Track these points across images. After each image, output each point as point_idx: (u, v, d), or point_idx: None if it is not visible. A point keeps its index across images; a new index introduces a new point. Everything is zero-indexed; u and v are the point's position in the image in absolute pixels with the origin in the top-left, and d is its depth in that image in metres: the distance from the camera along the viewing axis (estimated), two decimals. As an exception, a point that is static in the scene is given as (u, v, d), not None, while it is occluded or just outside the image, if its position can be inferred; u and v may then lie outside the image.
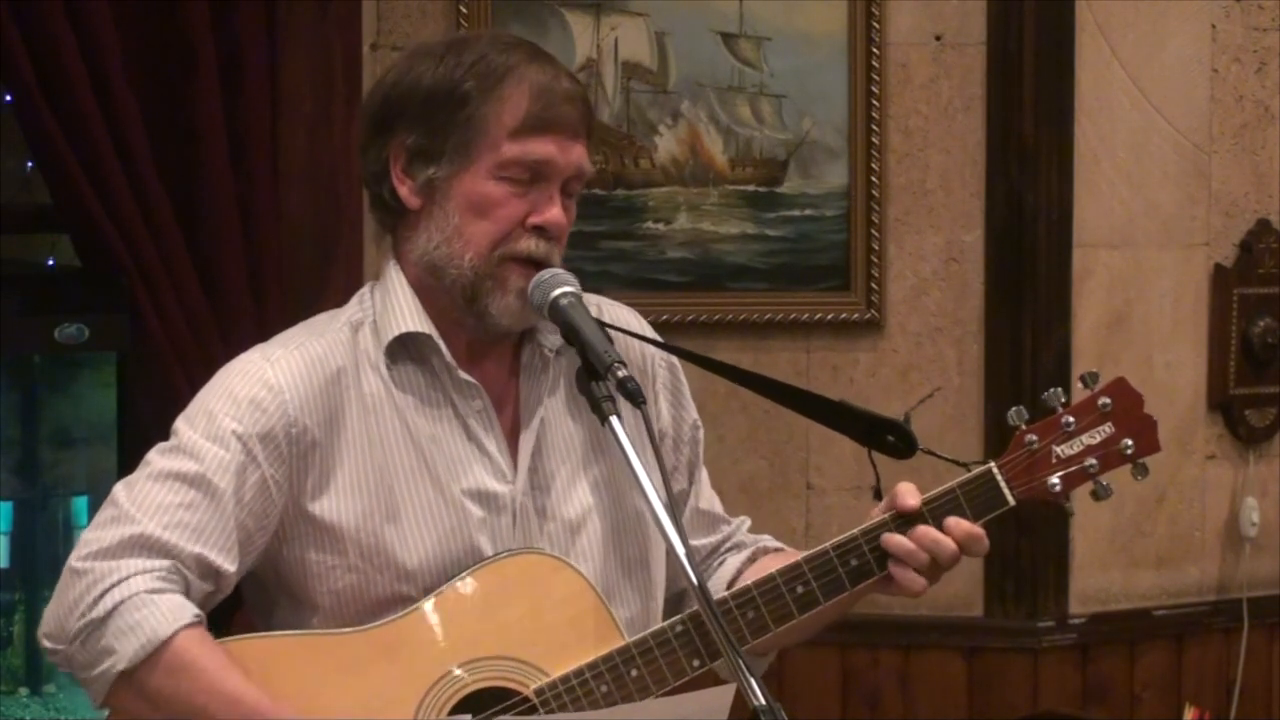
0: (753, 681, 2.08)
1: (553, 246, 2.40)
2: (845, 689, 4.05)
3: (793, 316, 4.03)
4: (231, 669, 2.29)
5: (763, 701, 2.07)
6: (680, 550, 2.17)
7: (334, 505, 2.38)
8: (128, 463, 3.60)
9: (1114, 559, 4.09)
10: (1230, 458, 4.21)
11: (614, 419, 2.23)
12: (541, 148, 2.39)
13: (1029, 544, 3.99)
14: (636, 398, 2.22)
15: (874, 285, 4.01)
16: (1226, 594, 4.19)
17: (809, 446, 4.05)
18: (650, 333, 2.58)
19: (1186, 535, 4.16)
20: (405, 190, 2.43)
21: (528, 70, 2.41)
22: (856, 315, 4.03)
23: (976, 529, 2.41)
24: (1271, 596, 4.22)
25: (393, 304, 2.44)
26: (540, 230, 2.39)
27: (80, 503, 3.83)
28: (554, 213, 2.39)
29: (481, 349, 2.46)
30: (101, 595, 2.28)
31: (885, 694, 4.06)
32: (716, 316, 4.01)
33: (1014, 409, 2.44)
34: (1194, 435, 4.13)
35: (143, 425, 3.64)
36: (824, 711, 4.01)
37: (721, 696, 2.17)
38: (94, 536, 2.33)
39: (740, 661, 2.10)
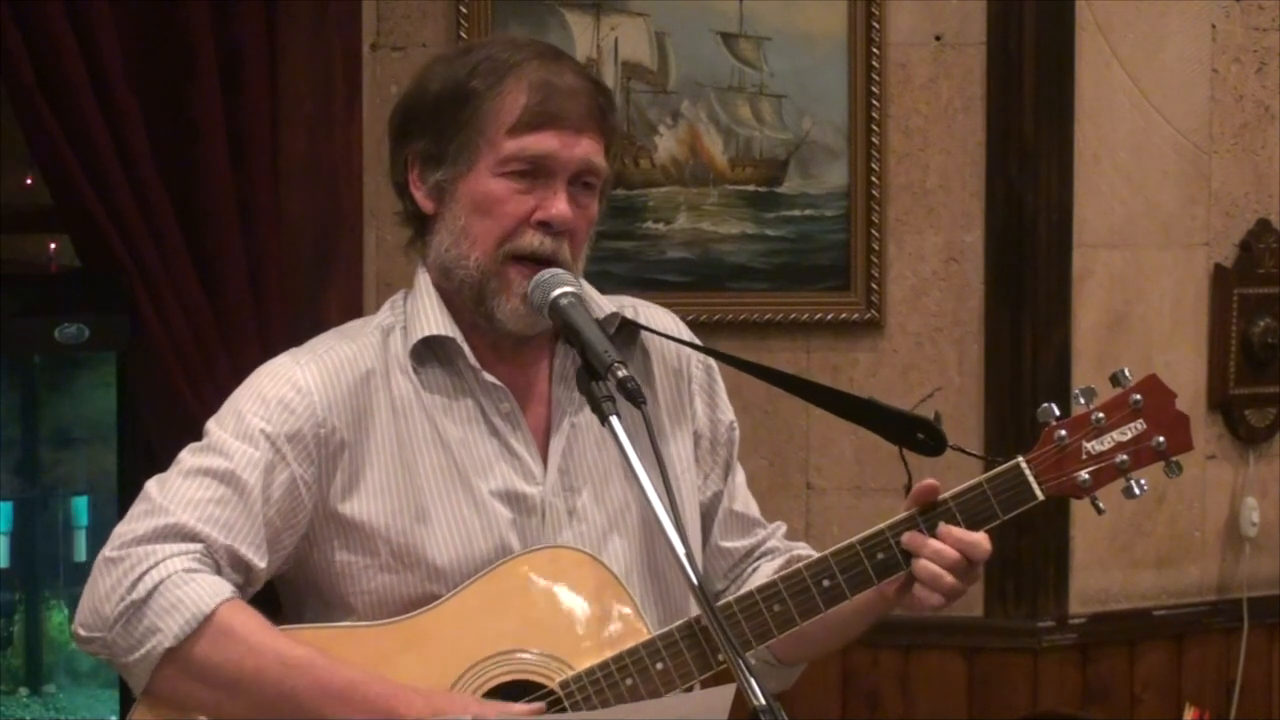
0: (753, 681, 2.08)
1: (560, 242, 2.40)
2: (845, 689, 4.05)
3: (793, 316, 4.03)
4: (276, 631, 2.32)
5: (763, 701, 2.07)
6: (678, 547, 2.17)
7: (363, 505, 2.40)
8: (128, 463, 3.62)
9: (1114, 559, 4.09)
10: (1230, 458, 4.20)
11: (614, 419, 2.22)
12: (540, 142, 2.39)
13: (1029, 544, 3.99)
14: (636, 398, 2.22)
15: (874, 285, 4.01)
16: (1226, 594, 4.19)
17: (809, 446, 4.05)
18: (687, 335, 2.59)
19: (1186, 535, 4.16)
20: (420, 195, 2.46)
21: (529, 66, 2.41)
22: (856, 315, 4.03)
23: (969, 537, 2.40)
24: (1271, 596, 4.22)
25: (419, 308, 2.45)
26: (546, 226, 2.39)
27: (80, 503, 3.84)
28: (560, 208, 2.39)
29: (508, 350, 2.46)
30: (140, 577, 2.29)
31: (885, 694, 4.06)
32: (716, 316, 4.01)
33: (1044, 405, 2.43)
34: (1194, 435, 4.11)
35: (143, 425, 3.65)
36: (824, 711, 4.01)
37: (721, 696, 2.17)
38: (127, 529, 2.34)
39: (740, 661, 2.10)
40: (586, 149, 2.41)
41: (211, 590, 2.30)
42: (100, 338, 3.59)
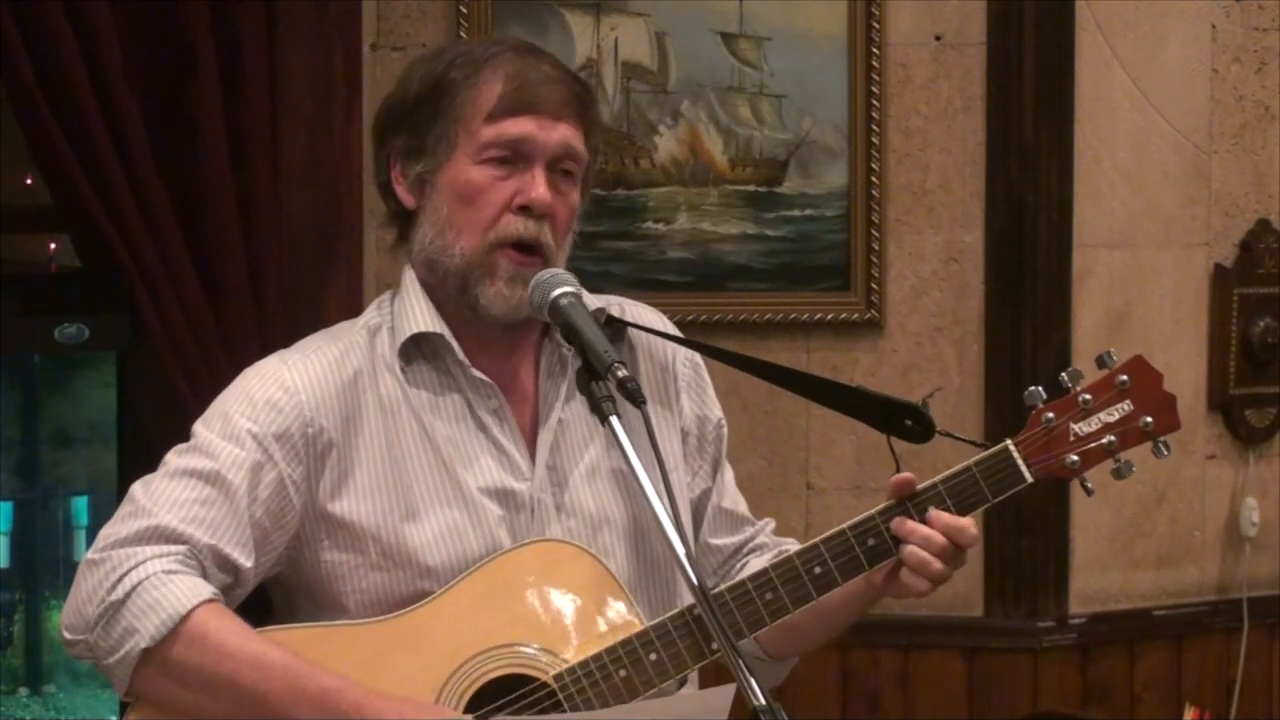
0: (752, 681, 2.08)
1: (542, 225, 2.41)
2: (845, 689, 4.05)
3: (793, 316, 4.03)
4: (253, 635, 2.32)
5: (763, 701, 2.07)
6: (678, 548, 2.17)
7: (352, 505, 2.40)
8: (128, 462, 3.62)
9: (1114, 559, 4.09)
10: (1230, 458, 4.20)
11: (614, 419, 2.23)
12: (518, 126, 2.40)
13: (1029, 544, 3.99)
14: (636, 398, 2.22)
15: (874, 285, 4.01)
16: (1226, 594, 4.19)
17: (809, 446, 4.05)
18: (674, 333, 2.59)
19: (1186, 535, 4.16)
20: (401, 190, 2.48)
21: (505, 58, 2.44)
22: (856, 315, 4.03)
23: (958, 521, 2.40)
24: (1271, 596, 4.22)
25: (406, 306, 2.46)
26: (526, 210, 2.40)
27: (80, 503, 3.84)
28: (539, 191, 2.40)
29: (495, 344, 2.47)
30: (119, 579, 2.30)
31: (885, 694, 4.06)
32: (716, 316, 4.01)
33: (1031, 388, 2.44)
34: (1194, 435, 4.13)
35: (143, 425, 3.65)
36: (824, 711, 4.01)
37: (721, 696, 2.17)
38: (111, 531, 2.35)
39: (739, 661, 2.10)
40: (564, 133, 2.43)
41: (189, 591, 2.30)
42: (100, 338, 3.59)
